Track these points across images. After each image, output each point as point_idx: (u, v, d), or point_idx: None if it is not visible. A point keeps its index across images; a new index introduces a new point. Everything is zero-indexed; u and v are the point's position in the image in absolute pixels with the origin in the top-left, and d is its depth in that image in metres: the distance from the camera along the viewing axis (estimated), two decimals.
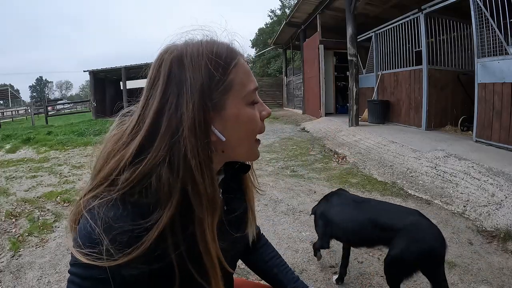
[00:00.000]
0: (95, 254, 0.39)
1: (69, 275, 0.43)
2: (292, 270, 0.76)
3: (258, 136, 0.54)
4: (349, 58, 6.19)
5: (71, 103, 26.06)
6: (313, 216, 1.74)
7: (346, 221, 1.50)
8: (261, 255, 0.76)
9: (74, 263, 0.41)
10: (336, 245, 2.05)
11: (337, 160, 4.35)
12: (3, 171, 4.39)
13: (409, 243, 1.25)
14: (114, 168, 0.44)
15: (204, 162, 0.44)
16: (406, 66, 5.61)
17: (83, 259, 0.39)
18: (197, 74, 0.44)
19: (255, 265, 0.77)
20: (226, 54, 0.48)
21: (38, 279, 1.80)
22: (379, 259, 1.88)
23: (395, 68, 5.94)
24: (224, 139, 0.47)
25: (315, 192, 3.08)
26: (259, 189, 0.67)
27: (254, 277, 1.75)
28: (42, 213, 2.78)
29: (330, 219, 1.57)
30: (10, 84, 63.11)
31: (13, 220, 2.64)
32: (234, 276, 0.72)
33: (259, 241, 0.77)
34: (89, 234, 0.40)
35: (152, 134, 0.44)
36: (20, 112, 18.69)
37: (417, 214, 1.36)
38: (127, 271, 0.40)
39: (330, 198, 1.67)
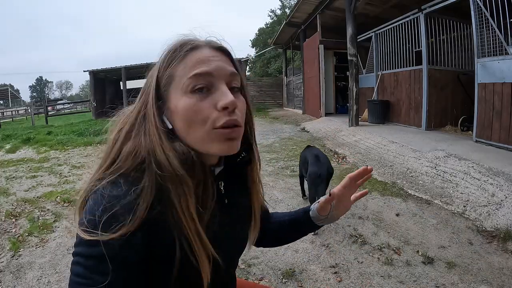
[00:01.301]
0: (95, 231, 0.42)
1: (73, 258, 0.44)
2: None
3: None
4: (349, 58, 6.19)
5: (71, 103, 25.98)
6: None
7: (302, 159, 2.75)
8: (272, 218, 0.78)
9: (78, 243, 0.44)
10: (336, 245, 2.06)
11: (337, 160, 4.36)
12: (3, 171, 4.39)
13: (311, 167, 2.39)
14: (117, 153, 0.50)
15: (160, 138, 0.49)
16: (406, 66, 5.61)
17: (86, 237, 0.42)
18: (155, 71, 0.52)
19: (274, 230, 0.76)
20: (174, 48, 0.52)
21: (38, 279, 1.80)
22: (379, 259, 1.88)
23: (395, 68, 5.94)
24: (170, 126, 0.51)
25: None
26: (265, 200, 0.70)
27: (253, 277, 1.75)
28: (42, 213, 2.78)
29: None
30: (10, 84, 62.99)
31: (13, 220, 2.64)
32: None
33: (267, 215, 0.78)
34: (92, 212, 0.43)
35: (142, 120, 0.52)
36: (20, 112, 18.65)
37: (319, 152, 2.60)
38: (127, 251, 0.43)
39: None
